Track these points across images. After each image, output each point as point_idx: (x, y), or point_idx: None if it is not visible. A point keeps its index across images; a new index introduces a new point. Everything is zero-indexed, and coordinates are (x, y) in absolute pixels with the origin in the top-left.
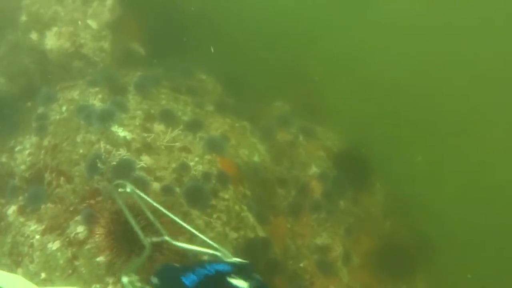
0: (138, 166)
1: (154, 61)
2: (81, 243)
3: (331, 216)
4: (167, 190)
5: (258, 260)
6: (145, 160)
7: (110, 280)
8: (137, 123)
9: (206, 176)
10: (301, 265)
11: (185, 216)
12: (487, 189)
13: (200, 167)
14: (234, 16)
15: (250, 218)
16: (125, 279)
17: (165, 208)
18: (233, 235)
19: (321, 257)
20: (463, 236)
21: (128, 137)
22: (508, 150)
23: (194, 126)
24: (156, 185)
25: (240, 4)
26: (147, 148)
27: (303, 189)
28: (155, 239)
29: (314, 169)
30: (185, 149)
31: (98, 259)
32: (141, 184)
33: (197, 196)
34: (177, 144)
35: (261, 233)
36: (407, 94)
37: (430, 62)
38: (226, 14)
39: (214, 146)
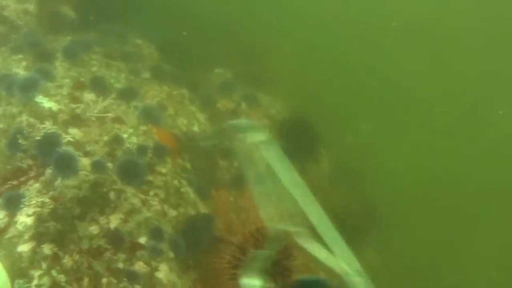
0: (65, 140)
1: (86, 25)
2: (1, 232)
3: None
4: (98, 166)
5: (201, 238)
6: (74, 133)
7: (35, 273)
8: (65, 93)
9: (142, 149)
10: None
11: (119, 194)
12: (430, 155)
13: (134, 139)
14: None
15: (191, 194)
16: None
17: None
18: (172, 213)
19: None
20: (409, 202)
21: (54, 108)
22: (452, 115)
23: (128, 94)
24: (85, 161)
25: None
26: (76, 120)
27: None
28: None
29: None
30: (118, 119)
31: (20, 249)
32: (68, 160)
33: (132, 171)
34: (109, 114)
35: (203, 209)
36: (351, 63)
37: (373, 29)
38: None
39: (150, 115)
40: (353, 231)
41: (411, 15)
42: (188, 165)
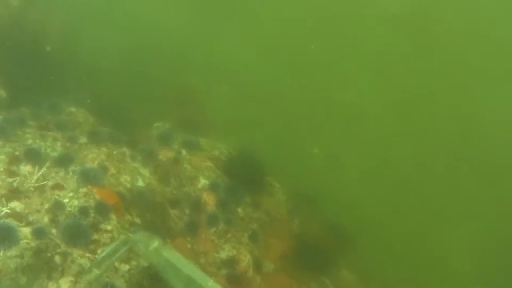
0: (2, 213)
1: (17, 102)
2: None
3: (230, 226)
4: (38, 233)
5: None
6: (14, 205)
7: None
8: (1, 169)
9: (83, 210)
10: (210, 284)
11: (65, 257)
12: (386, 169)
13: (75, 202)
14: (98, 46)
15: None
16: None
17: None
18: (124, 267)
19: (229, 271)
20: (375, 216)
21: None
22: (402, 127)
23: (64, 160)
24: (26, 230)
25: (100, 33)
26: (15, 192)
27: (196, 204)
28: None
29: (203, 181)
30: (57, 186)
31: None
32: (6, 232)
33: (76, 233)
34: (49, 182)
35: None
36: (290, 91)
37: (305, 58)
38: (89, 46)
39: (88, 177)
40: (323, 255)
41: (327, 35)
42: (137, 220)
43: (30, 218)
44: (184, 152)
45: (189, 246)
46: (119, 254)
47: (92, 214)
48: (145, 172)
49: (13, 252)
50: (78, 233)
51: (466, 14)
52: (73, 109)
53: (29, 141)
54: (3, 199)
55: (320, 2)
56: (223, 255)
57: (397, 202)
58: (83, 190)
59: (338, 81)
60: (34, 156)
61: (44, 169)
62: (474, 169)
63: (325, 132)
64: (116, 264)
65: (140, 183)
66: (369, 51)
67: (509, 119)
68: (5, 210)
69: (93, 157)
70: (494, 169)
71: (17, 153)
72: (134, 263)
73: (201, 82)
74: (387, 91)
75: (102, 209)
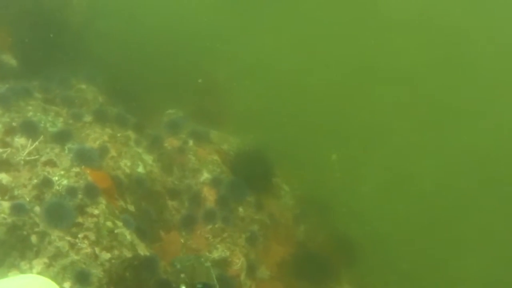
0: None
1: (28, 73)
2: None
3: (228, 225)
4: (17, 209)
5: (142, 281)
6: (1, 177)
7: None
8: None
9: (71, 190)
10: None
11: (43, 238)
12: (407, 183)
13: (65, 181)
14: (123, 25)
15: (127, 235)
16: None
17: None
18: (105, 255)
19: (220, 272)
20: (386, 233)
21: None
22: (424, 141)
23: (62, 137)
24: (5, 204)
25: (128, 13)
26: (4, 164)
27: (195, 198)
28: None
29: (205, 175)
30: (50, 162)
31: None
32: None
33: (59, 214)
34: (42, 158)
35: (143, 251)
36: (314, 93)
37: (336, 59)
38: (113, 24)
39: (84, 157)
40: (325, 267)
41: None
42: (131, 207)
43: (16, 192)
44: (191, 142)
45: (182, 241)
46: None
47: (80, 196)
48: (148, 158)
49: None
50: (61, 213)
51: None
52: (83, 86)
53: (30, 113)
54: None
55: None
56: (216, 254)
57: (411, 220)
58: (76, 169)
59: (363, 90)
60: (30, 129)
61: (36, 143)
62: (497, 196)
63: (346, 139)
64: (97, 250)
65: (141, 169)
66: (397, 62)
67: None
68: None
69: (95, 137)
70: None
71: (14, 124)
72: (116, 252)
73: (223, 75)
74: (414, 105)
75: (91, 192)
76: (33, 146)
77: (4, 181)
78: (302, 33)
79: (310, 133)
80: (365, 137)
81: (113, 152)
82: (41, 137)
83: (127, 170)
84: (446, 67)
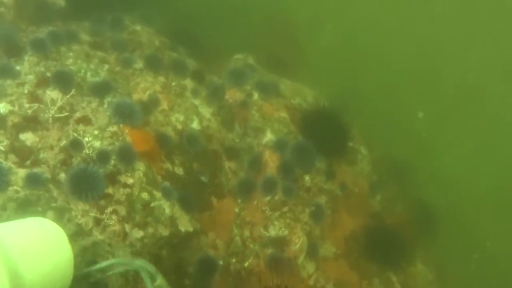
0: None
1: (78, 14)
2: None
3: (290, 197)
4: (32, 180)
5: (183, 260)
6: (26, 138)
7: None
8: (26, 91)
9: (103, 155)
10: (246, 264)
11: (61, 214)
12: (501, 151)
13: (97, 143)
14: None
15: (166, 208)
16: None
17: None
18: (137, 234)
19: (275, 252)
20: (471, 206)
21: (2, 111)
22: None
23: (102, 88)
24: (21, 173)
25: None
26: (32, 122)
27: (256, 162)
28: None
29: (269, 136)
30: (84, 119)
31: None
32: None
33: (84, 184)
34: (76, 114)
35: (185, 227)
36: (404, 43)
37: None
38: None
39: (123, 113)
40: (400, 242)
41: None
42: (179, 170)
43: (41, 156)
44: (256, 95)
45: (236, 210)
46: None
47: (113, 162)
48: (206, 112)
49: None
50: (87, 183)
51: None
52: (138, 27)
53: (69, 61)
54: (15, 130)
55: None
56: (272, 232)
57: (500, 194)
58: (113, 128)
59: (461, 53)
60: (64, 80)
61: (67, 97)
62: None
63: (436, 97)
64: (127, 228)
65: (195, 125)
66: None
67: None
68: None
69: (146, 86)
70: None
71: (48, 74)
72: (151, 230)
73: (304, 17)
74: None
75: (127, 156)
76: (63, 100)
77: (28, 142)
78: None
79: (395, 90)
80: (457, 96)
81: (164, 105)
82: (73, 91)
83: (179, 126)
84: None
